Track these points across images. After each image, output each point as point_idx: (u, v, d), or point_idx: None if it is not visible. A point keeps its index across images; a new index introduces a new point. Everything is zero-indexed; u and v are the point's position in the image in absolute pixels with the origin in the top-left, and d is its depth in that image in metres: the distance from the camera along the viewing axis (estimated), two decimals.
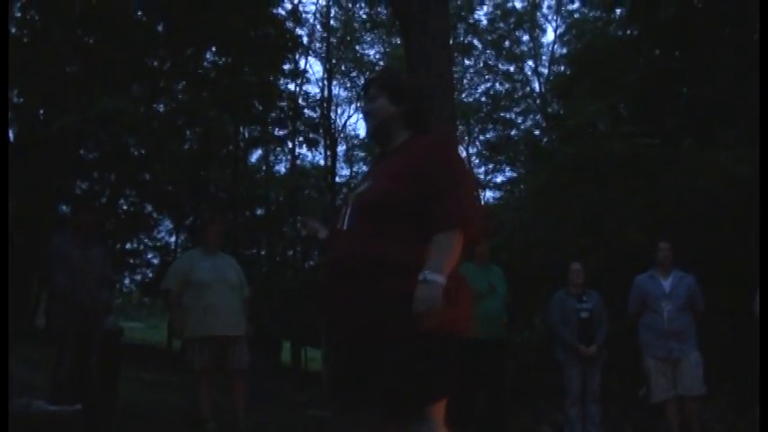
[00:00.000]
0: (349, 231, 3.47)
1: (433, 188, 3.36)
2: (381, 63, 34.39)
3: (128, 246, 27.83)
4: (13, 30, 21.28)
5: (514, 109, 35.50)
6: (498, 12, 33.01)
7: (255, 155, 31.84)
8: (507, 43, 34.09)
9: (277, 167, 33.01)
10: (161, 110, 22.48)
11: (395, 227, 3.36)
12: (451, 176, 3.42)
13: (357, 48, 34.23)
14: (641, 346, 8.62)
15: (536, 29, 34.94)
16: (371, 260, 3.32)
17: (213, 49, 23.31)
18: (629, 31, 18.02)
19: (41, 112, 21.02)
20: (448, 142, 3.58)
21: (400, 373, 3.26)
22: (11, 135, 22.27)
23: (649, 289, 8.59)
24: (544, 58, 35.37)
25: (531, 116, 34.80)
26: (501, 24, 33.46)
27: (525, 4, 33.54)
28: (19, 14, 21.05)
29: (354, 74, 35.10)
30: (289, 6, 26.45)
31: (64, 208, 22.53)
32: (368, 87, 3.87)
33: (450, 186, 3.39)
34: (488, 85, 35.50)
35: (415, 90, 3.91)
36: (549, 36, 37.74)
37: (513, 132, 34.72)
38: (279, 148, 31.51)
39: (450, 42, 14.34)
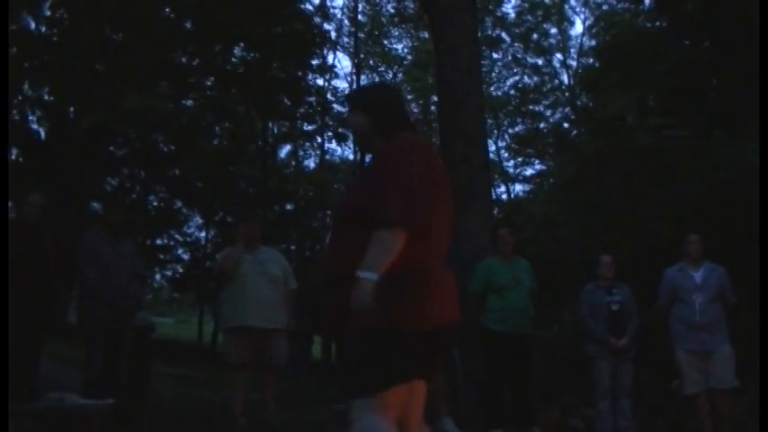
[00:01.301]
0: (328, 243, 3.82)
1: (376, 189, 3.53)
2: (409, 57, 34.38)
3: (158, 242, 27.95)
4: (43, 29, 21.43)
5: (543, 102, 35.39)
6: (526, 4, 32.89)
7: (284, 150, 31.95)
8: (535, 36, 33.98)
9: (306, 162, 33.11)
10: (190, 106, 22.55)
11: (360, 235, 3.47)
12: (390, 174, 3.56)
13: (385, 42, 34.21)
14: (672, 338, 8.57)
15: (564, 21, 34.79)
16: (337, 271, 3.58)
17: (241, 45, 23.35)
18: (657, 23, 17.92)
19: (71, 110, 21.13)
20: (400, 144, 3.66)
21: (341, 366, 3.57)
22: (42, 133, 22.45)
23: (680, 281, 8.54)
24: (572, 50, 35.25)
25: (560, 109, 34.69)
26: (529, 17, 33.36)
27: None
28: (48, 13, 21.18)
29: (382, 68, 35.09)
30: (316, 1, 26.45)
31: (94, 205, 22.68)
32: (347, 104, 4.15)
33: (386, 184, 3.53)
34: (517, 78, 35.43)
35: (382, 100, 4.01)
36: (578, 28, 37.67)
37: (541, 125, 34.62)
38: (307, 144, 31.57)
39: (478, 36, 14.32)
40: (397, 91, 4.42)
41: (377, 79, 34.82)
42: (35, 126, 22.78)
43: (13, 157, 22.32)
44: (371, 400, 3.43)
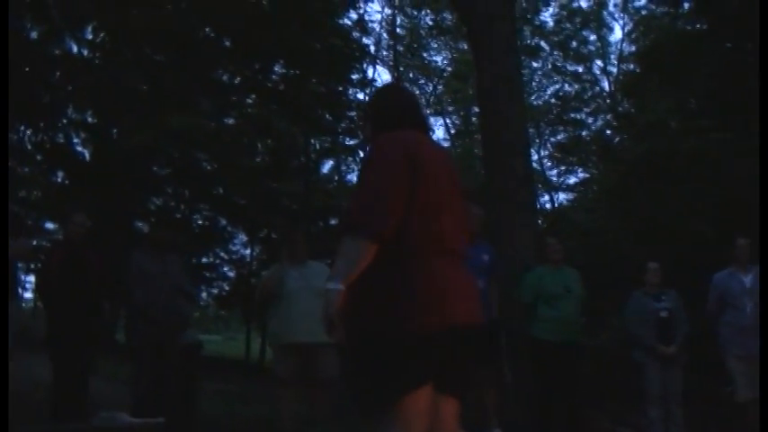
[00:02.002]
0: None
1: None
2: (449, 69, 34.36)
3: (203, 260, 28.07)
4: (85, 52, 21.66)
5: (584, 109, 35.19)
6: (564, 12, 32.77)
7: (327, 165, 31.97)
8: (574, 44, 33.84)
9: (349, 177, 33.10)
10: (231, 124, 22.67)
11: None
12: (360, 177, 3.52)
13: (424, 54, 34.23)
14: (722, 344, 8.48)
15: (603, 27, 34.63)
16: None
17: (281, 62, 23.45)
18: (697, 25, 17.80)
19: (114, 131, 21.32)
20: (374, 145, 3.56)
21: (346, 384, 3.47)
22: (86, 155, 22.67)
23: (729, 286, 8.45)
24: (612, 56, 35.07)
25: (602, 116, 34.47)
26: (567, 25, 33.24)
27: (591, 3, 33.27)
28: (90, 37, 21.42)
29: (422, 81, 35.11)
30: (354, 16, 26.52)
31: (139, 225, 22.84)
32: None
33: (356, 189, 3.51)
34: (557, 86, 35.29)
35: (378, 102, 3.97)
36: (617, 34, 37.42)
37: (583, 133, 34.44)
38: (350, 158, 31.59)
39: (517, 45, 14.29)
40: (396, 90, 4.31)
41: (416, 92, 34.87)
42: (80, 148, 23.03)
43: (59, 180, 22.58)
44: (388, 416, 3.29)
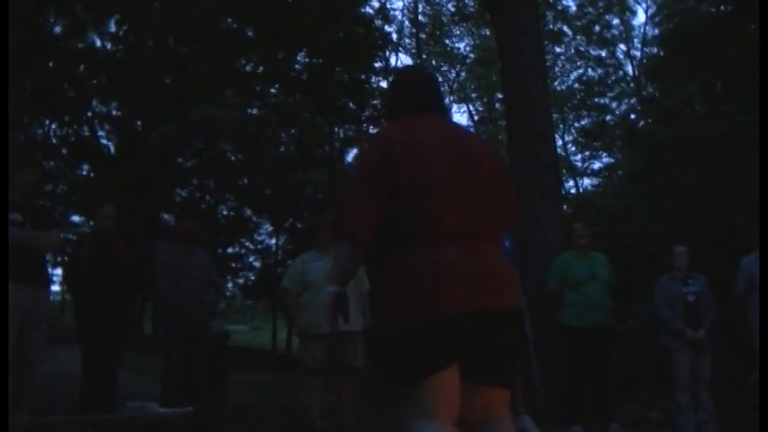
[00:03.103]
0: None
1: None
2: (472, 55, 34.29)
3: (229, 250, 28.18)
4: (108, 45, 21.76)
5: (608, 94, 35.09)
6: None
7: (351, 154, 32.01)
8: (597, 28, 33.70)
9: None
10: (255, 114, 22.71)
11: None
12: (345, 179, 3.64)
13: (447, 41, 34.19)
14: (751, 328, 8.43)
15: (626, 11, 34.45)
16: None
17: (304, 51, 23.46)
18: (721, 8, 17.66)
19: (139, 123, 21.42)
20: (365, 143, 3.67)
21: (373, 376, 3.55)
22: (111, 148, 22.79)
23: (756, 269, 8.38)
24: (636, 40, 34.91)
25: (626, 100, 34.37)
26: (590, 9, 33.10)
27: None
28: (113, 29, 21.50)
29: (445, 68, 35.06)
30: (376, 4, 26.49)
31: (165, 216, 22.95)
32: None
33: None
34: (581, 71, 35.22)
35: (390, 89, 4.06)
36: (640, 18, 37.22)
37: (608, 118, 34.33)
38: None
39: (540, 30, 14.23)
40: (402, 75, 4.29)
41: (440, 79, 34.80)
42: (104, 141, 23.15)
43: (85, 173, 22.71)
44: (412, 404, 3.28)
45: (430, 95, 3.81)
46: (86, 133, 22.13)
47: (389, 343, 3.34)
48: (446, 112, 3.81)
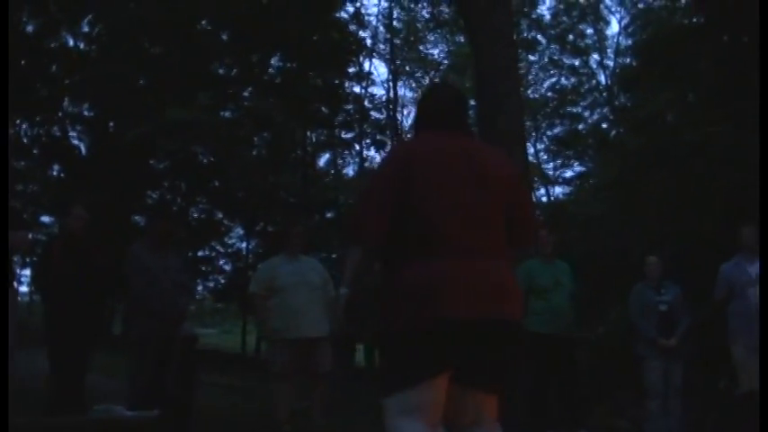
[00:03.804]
0: None
1: None
2: (446, 62, 34.35)
3: (200, 253, 28.05)
4: (82, 45, 21.64)
5: (581, 103, 35.23)
6: (561, 5, 32.76)
7: (324, 158, 31.98)
8: (571, 37, 33.83)
9: (345, 170, 33.11)
10: (228, 117, 22.66)
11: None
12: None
13: (421, 48, 34.22)
14: (730, 334, 8.46)
15: (600, 21, 34.61)
16: None
17: (278, 54, 23.45)
18: (695, 19, 17.78)
19: (111, 124, 21.31)
20: (385, 155, 3.89)
21: None
22: (83, 149, 22.66)
23: (735, 276, 8.42)
24: (609, 50, 35.05)
25: (598, 109, 34.52)
26: (564, 18, 33.23)
27: None
28: (87, 30, 21.39)
29: (419, 74, 35.11)
30: (351, 9, 26.52)
31: (137, 218, 22.82)
32: None
33: None
34: (554, 79, 35.33)
35: (418, 106, 4.17)
36: (614, 28, 37.44)
37: (580, 126, 34.46)
38: (347, 151, 31.58)
39: (514, 38, 14.27)
40: (428, 92, 4.40)
41: (413, 85, 34.94)
42: (76, 142, 23.01)
43: (56, 174, 22.56)
44: (396, 402, 3.46)
45: (453, 113, 3.92)
46: (58, 133, 21.99)
47: (392, 343, 3.56)
48: (469, 129, 3.89)
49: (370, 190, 3.73)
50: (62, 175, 22.46)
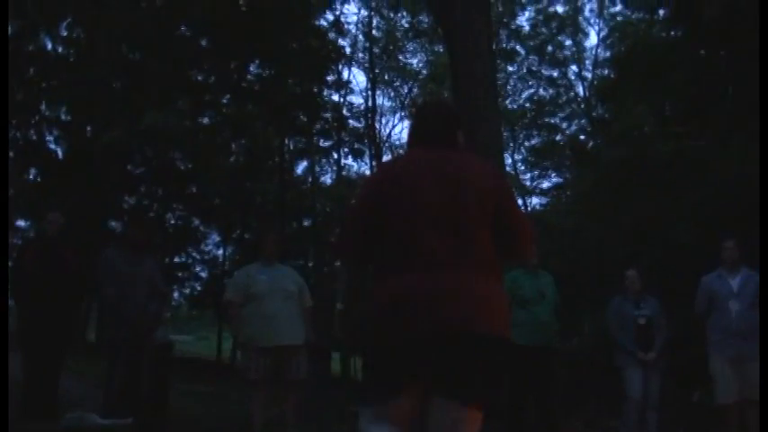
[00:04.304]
0: None
1: None
2: (425, 71, 34.40)
3: (176, 259, 27.98)
4: (60, 49, 21.54)
5: (559, 114, 35.35)
6: (540, 17, 32.87)
7: (301, 166, 31.94)
8: (550, 48, 33.95)
9: (323, 178, 33.09)
10: (206, 123, 22.62)
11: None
12: None
13: (400, 57, 34.24)
14: (709, 346, 8.49)
15: (579, 33, 34.74)
16: None
17: (257, 61, 23.43)
18: (672, 33, 17.89)
19: (89, 128, 21.21)
20: (368, 176, 4.05)
21: None
22: (59, 153, 22.53)
23: (717, 288, 8.45)
24: (588, 62, 35.20)
25: (576, 121, 34.65)
26: (543, 29, 33.34)
27: (567, 8, 33.38)
28: (65, 33, 21.30)
29: (398, 83, 35.14)
30: (331, 17, 26.54)
31: (113, 223, 22.74)
32: None
33: None
34: (532, 90, 35.42)
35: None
36: (592, 40, 37.53)
37: (558, 137, 34.58)
38: (324, 159, 31.57)
39: (493, 48, 14.31)
40: (422, 106, 4.47)
41: (392, 94, 35.00)
42: (53, 146, 22.89)
43: (32, 177, 22.44)
44: (369, 411, 3.56)
45: (432, 128, 3.93)
46: (34, 137, 21.87)
47: (365, 357, 3.77)
48: (454, 143, 3.86)
49: (349, 212, 3.98)
50: (38, 179, 22.32)
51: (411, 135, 4.00)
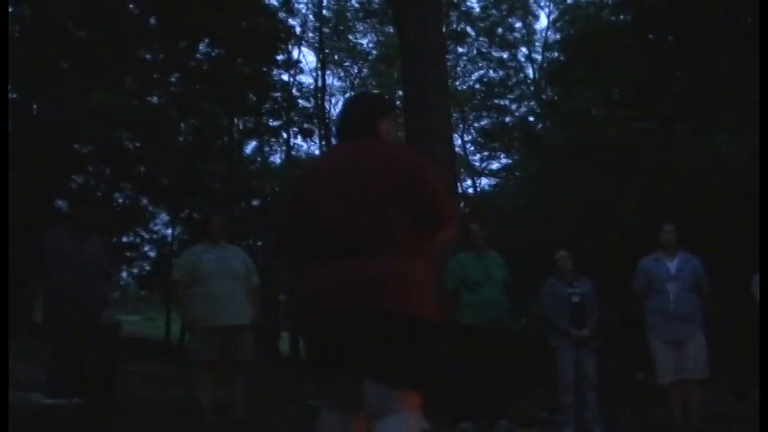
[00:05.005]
0: None
1: None
2: (375, 52, 34.38)
3: (124, 239, 27.77)
4: None
5: (508, 96, 35.51)
6: None
7: (250, 146, 31.80)
8: (500, 30, 34.06)
9: (272, 158, 32.99)
10: (154, 103, 22.43)
11: None
12: None
13: (350, 37, 34.20)
14: (648, 328, 8.63)
15: (529, 15, 34.89)
16: None
17: (206, 41, 23.26)
18: (622, 16, 18.01)
19: (35, 107, 20.96)
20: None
21: None
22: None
23: (655, 271, 8.60)
24: (537, 44, 35.38)
25: (526, 103, 34.83)
26: (494, 11, 33.44)
27: None
28: (11, 9, 21.01)
29: (348, 63, 35.12)
30: None
31: (60, 203, 22.51)
32: None
33: None
34: (482, 72, 35.54)
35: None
36: (542, 22, 37.74)
37: (507, 119, 34.74)
38: (273, 139, 31.46)
39: (443, 30, 14.32)
40: (348, 99, 4.53)
41: (342, 74, 34.96)
42: None
43: None
44: (326, 399, 3.75)
45: (351, 120, 3.99)
46: None
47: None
48: (369, 132, 3.84)
49: (279, 213, 4.15)
50: None
51: (336, 129, 4.12)
